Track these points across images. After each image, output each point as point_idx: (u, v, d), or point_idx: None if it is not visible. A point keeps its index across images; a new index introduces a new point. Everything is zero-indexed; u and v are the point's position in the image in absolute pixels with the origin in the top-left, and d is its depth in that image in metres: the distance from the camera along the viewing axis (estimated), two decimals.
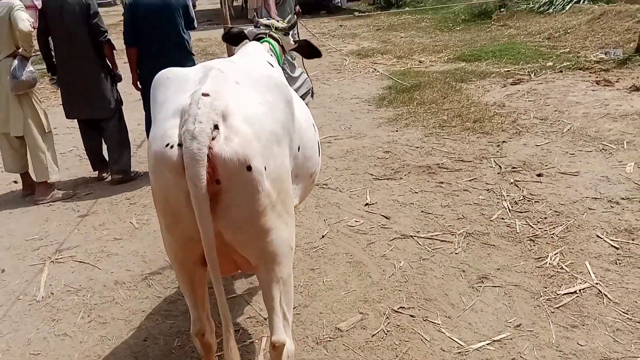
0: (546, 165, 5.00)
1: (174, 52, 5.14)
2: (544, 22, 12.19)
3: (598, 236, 3.81)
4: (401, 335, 3.01)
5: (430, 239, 3.99)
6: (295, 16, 4.11)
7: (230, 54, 5.62)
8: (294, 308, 3.19)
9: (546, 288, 3.31)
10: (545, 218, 4.12)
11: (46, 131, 5.21)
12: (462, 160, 5.32)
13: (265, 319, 3.17)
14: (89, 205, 5.06)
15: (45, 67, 5.47)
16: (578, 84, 7.30)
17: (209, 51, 13.06)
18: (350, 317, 3.18)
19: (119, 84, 5.60)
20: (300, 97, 5.58)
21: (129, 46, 5.23)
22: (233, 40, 3.48)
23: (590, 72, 7.83)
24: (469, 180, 4.87)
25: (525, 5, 13.81)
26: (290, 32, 3.61)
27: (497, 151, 5.46)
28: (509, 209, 4.30)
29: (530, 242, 3.83)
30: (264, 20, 3.51)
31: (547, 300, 3.20)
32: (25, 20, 4.79)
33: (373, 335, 3.02)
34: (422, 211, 4.41)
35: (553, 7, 12.96)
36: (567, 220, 4.05)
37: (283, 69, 4.36)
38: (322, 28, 15.82)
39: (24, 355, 3.10)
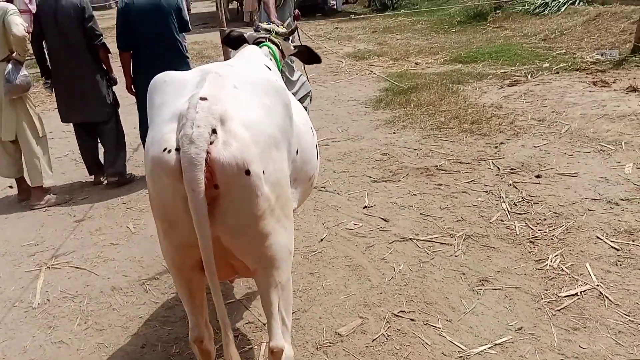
0: (545, 167, 4.99)
1: (168, 55, 5.09)
2: (540, 23, 12.20)
3: (598, 237, 3.79)
4: (402, 340, 2.98)
5: (429, 241, 3.96)
6: (294, 21, 4.09)
7: (227, 57, 5.59)
8: (293, 313, 3.16)
9: (547, 290, 3.29)
10: (545, 219, 4.10)
11: (40, 135, 5.17)
12: (460, 162, 5.30)
13: (264, 325, 3.13)
14: (85, 210, 5.02)
15: (39, 71, 5.43)
16: (575, 85, 7.30)
17: (204, 54, 13.03)
18: (350, 322, 3.15)
19: (115, 87, 5.56)
20: (299, 100, 5.58)
21: (122, 50, 5.19)
22: (233, 43, 3.46)
23: (587, 73, 7.83)
24: (468, 182, 4.85)
25: (521, 7, 13.82)
26: (290, 37, 3.60)
27: (495, 152, 5.45)
28: (508, 211, 4.28)
29: (530, 244, 3.81)
30: (264, 25, 3.50)
31: (548, 302, 3.18)
32: (19, 25, 4.75)
33: (373, 339, 2.99)
34: (421, 213, 4.39)
35: (548, 8, 12.98)
36: (567, 221, 4.03)
37: (282, 72, 4.34)
38: (318, 30, 15.81)
39: None
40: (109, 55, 5.41)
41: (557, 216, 4.13)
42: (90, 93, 5.30)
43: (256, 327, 3.21)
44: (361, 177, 5.20)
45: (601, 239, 3.76)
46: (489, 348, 2.86)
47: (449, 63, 9.93)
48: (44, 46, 5.29)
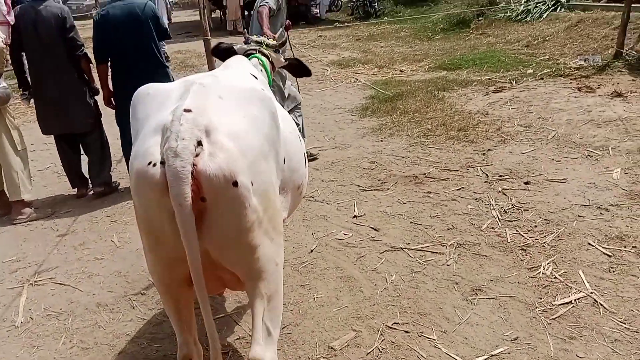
0: (533, 173, 4.98)
1: (146, 65, 4.97)
2: (522, 30, 12.30)
3: (590, 244, 3.77)
4: (397, 353, 2.91)
5: (421, 250, 3.91)
6: (285, 32, 4.05)
7: (212, 66, 5.53)
8: (284, 327, 3.12)
9: (541, 299, 3.25)
10: (536, 226, 4.08)
11: (19, 149, 5.03)
12: (448, 170, 5.28)
13: None
14: (68, 224, 4.90)
15: (17, 82, 5.32)
16: (560, 91, 7.33)
17: (188, 63, 12.94)
18: (344, 335, 3.08)
19: (98, 97, 5.47)
20: (291, 109, 5.52)
21: (99, 62, 5.08)
22: (222, 55, 3.40)
23: (571, 79, 7.87)
24: (457, 190, 4.82)
25: (503, 14, 13.95)
26: (280, 49, 3.57)
27: (483, 159, 5.43)
28: (499, 218, 4.25)
29: (522, 251, 3.78)
30: (254, 37, 3.47)
31: (542, 311, 3.14)
32: None
33: (368, 353, 2.92)
34: (411, 222, 4.34)
35: (530, 15, 13.11)
36: (558, 228, 4.01)
37: (274, 83, 4.28)
38: (301, 39, 15.80)
39: None
40: (91, 65, 5.31)
41: (548, 223, 4.10)
42: (73, 104, 5.21)
43: (247, 342, 3.11)
44: (350, 186, 5.15)
45: (593, 246, 3.74)
46: (485, 359, 2.81)
47: (433, 70, 9.95)
48: (24, 57, 5.19)
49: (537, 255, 3.71)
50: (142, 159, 1.86)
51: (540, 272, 3.51)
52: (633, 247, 3.67)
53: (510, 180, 4.90)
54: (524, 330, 3.00)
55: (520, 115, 6.63)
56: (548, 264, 3.59)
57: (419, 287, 3.49)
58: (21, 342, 3.28)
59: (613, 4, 11.33)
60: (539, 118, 6.42)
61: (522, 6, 13.64)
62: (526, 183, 4.80)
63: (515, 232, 4.03)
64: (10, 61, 5.24)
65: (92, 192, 5.55)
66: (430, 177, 5.14)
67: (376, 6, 20.05)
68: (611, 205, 4.24)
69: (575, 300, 3.21)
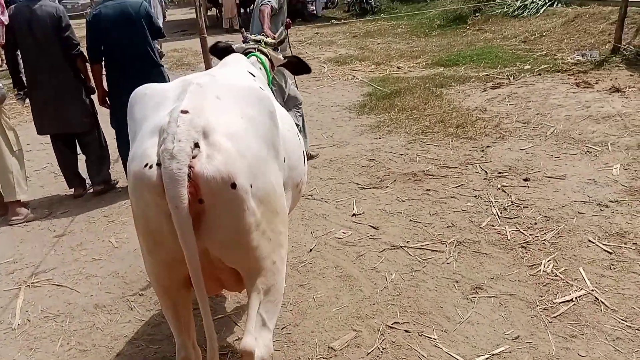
0: (532, 170, 4.96)
1: (140, 64, 4.94)
2: (519, 25, 12.28)
3: (590, 241, 3.75)
4: (397, 353, 2.89)
5: (420, 249, 3.89)
6: (285, 30, 4.02)
7: (208, 65, 5.49)
8: (284, 327, 3.11)
9: (542, 297, 3.23)
10: (536, 224, 4.06)
11: (15, 149, 5.00)
12: (447, 167, 5.25)
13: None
14: (65, 225, 4.87)
15: (12, 82, 5.28)
16: (558, 87, 7.31)
17: (184, 61, 12.89)
18: (344, 335, 3.06)
19: (93, 96, 5.43)
20: (293, 108, 5.48)
21: (93, 62, 5.05)
22: (220, 54, 3.37)
23: (569, 75, 7.85)
24: (456, 187, 4.80)
25: (500, 10, 13.91)
26: (279, 47, 3.55)
27: (482, 156, 5.41)
28: (498, 216, 4.23)
29: (522, 249, 3.76)
30: (253, 36, 3.44)
31: (544, 309, 3.12)
32: None
33: (368, 353, 2.90)
34: (410, 220, 4.32)
35: (527, 10, 13.08)
36: (558, 225, 3.99)
37: (274, 81, 4.25)
38: (298, 36, 15.74)
39: None
40: (87, 64, 5.28)
41: (548, 220, 4.09)
42: (69, 104, 5.18)
43: None
44: (348, 184, 5.13)
45: (593, 243, 3.72)
46: (486, 359, 2.79)
47: (430, 67, 9.92)
48: (18, 57, 5.15)
49: (537, 252, 3.69)
50: (139, 161, 1.86)
51: (540, 270, 3.49)
52: (634, 243, 3.65)
53: (510, 177, 4.88)
54: (525, 329, 2.98)
55: (518, 111, 6.61)
56: (548, 261, 3.57)
57: (419, 285, 3.46)
58: (18, 345, 3.26)
59: None
60: (538, 114, 6.39)
61: (518, 1, 13.61)
62: (525, 180, 4.78)
63: (515, 229, 4.02)
64: (5, 61, 5.20)
65: (91, 190, 5.53)
66: (429, 175, 5.12)
67: (372, 3, 19.98)
68: (611, 201, 4.22)
69: (576, 298, 3.19)
